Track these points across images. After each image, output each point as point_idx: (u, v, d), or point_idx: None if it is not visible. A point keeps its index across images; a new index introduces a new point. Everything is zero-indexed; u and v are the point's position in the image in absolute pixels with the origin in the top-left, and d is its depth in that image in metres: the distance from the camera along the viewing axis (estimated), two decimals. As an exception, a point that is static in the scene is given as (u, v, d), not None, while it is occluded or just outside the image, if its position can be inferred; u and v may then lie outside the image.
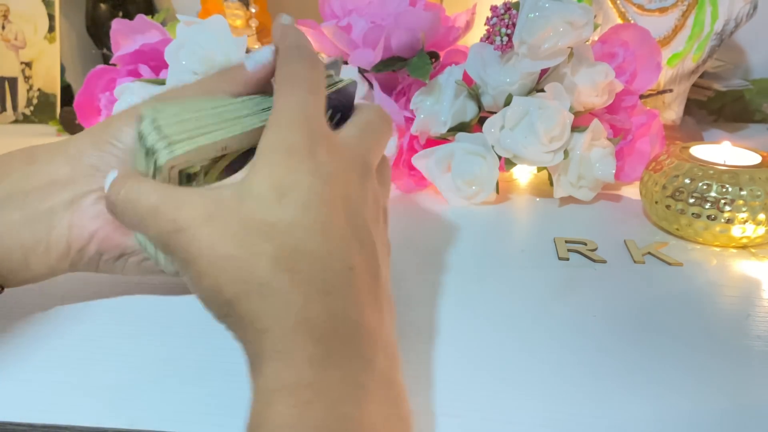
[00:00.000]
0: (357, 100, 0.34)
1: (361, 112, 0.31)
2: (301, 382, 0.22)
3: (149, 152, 0.29)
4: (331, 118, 0.32)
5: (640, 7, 0.63)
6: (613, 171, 0.50)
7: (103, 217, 0.34)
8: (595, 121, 0.50)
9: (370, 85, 0.56)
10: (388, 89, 0.56)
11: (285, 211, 0.25)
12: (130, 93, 0.54)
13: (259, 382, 0.22)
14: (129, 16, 0.76)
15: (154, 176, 0.30)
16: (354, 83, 0.33)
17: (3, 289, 0.33)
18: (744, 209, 0.42)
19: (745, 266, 0.42)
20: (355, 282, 0.25)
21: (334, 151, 0.27)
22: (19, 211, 0.32)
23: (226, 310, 0.25)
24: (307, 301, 0.23)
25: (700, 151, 0.48)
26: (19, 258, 0.32)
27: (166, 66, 0.54)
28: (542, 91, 0.50)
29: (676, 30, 0.62)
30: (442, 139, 0.53)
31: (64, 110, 0.72)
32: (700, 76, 0.67)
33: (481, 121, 0.51)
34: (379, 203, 0.30)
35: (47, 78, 0.75)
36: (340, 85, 0.33)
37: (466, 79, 0.53)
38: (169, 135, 0.29)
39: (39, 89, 0.75)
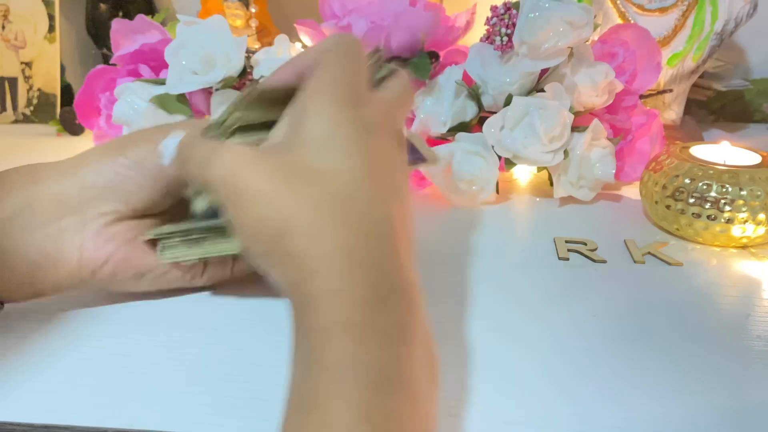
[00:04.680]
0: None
1: (395, 80, 0.32)
2: (355, 321, 0.22)
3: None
4: None
5: (640, 7, 0.63)
6: (613, 171, 0.50)
7: (119, 238, 0.33)
8: (595, 121, 0.50)
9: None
10: (388, 89, 0.56)
11: (329, 159, 0.26)
12: (130, 93, 0.54)
13: (311, 320, 0.23)
14: (129, 16, 0.76)
15: None
16: (397, 70, 0.33)
17: (2, 305, 0.33)
18: (744, 209, 0.42)
19: (745, 266, 0.42)
20: (394, 230, 0.25)
21: (375, 107, 0.28)
22: (26, 231, 0.32)
23: (270, 248, 0.25)
24: (355, 244, 0.24)
25: (700, 151, 0.48)
26: (25, 275, 0.32)
27: (166, 66, 0.54)
28: (542, 91, 0.50)
29: (676, 30, 0.62)
30: (442, 139, 0.53)
31: (64, 110, 0.72)
32: (700, 76, 0.67)
33: (481, 121, 0.51)
34: (406, 168, 0.31)
35: (47, 78, 0.75)
36: (384, 72, 0.33)
37: (466, 79, 0.53)
38: None
39: (39, 89, 0.75)
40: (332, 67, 0.28)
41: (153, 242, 0.35)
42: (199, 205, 0.32)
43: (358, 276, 0.23)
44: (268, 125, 0.31)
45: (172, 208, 0.36)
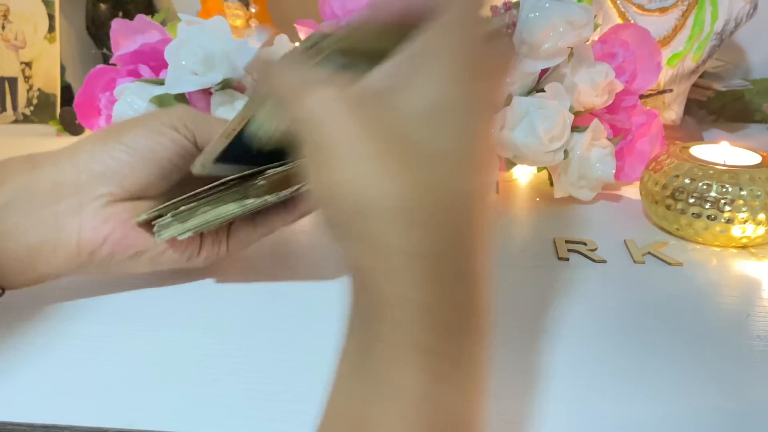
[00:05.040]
0: None
1: (504, 48, 0.27)
2: (432, 349, 0.21)
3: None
4: None
5: (640, 7, 0.63)
6: (613, 171, 0.50)
7: (115, 219, 0.34)
8: (595, 121, 0.50)
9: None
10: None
11: (437, 137, 0.22)
12: (130, 93, 0.54)
13: (383, 329, 0.21)
14: (129, 16, 0.76)
15: None
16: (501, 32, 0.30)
17: (3, 291, 0.33)
18: (744, 209, 0.42)
19: (745, 266, 0.42)
20: (475, 239, 0.23)
21: (489, 83, 0.25)
22: (24, 215, 0.33)
23: (343, 218, 0.22)
24: (437, 251, 0.22)
25: (700, 151, 0.48)
26: (25, 259, 0.33)
27: (166, 66, 0.54)
28: (542, 91, 0.50)
29: (676, 30, 0.62)
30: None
31: (64, 110, 0.72)
32: (700, 76, 0.67)
33: (481, 121, 0.51)
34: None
35: (47, 78, 0.75)
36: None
37: (466, 79, 0.52)
38: None
39: (39, 89, 0.75)
40: (457, 21, 0.23)
41: (148, 224, 0.36)
42: (265, 127, 0.30)
43: (435, 291, 0.21)
44: (366, 55, 0.26)
45: (169, 192, 0.36)
